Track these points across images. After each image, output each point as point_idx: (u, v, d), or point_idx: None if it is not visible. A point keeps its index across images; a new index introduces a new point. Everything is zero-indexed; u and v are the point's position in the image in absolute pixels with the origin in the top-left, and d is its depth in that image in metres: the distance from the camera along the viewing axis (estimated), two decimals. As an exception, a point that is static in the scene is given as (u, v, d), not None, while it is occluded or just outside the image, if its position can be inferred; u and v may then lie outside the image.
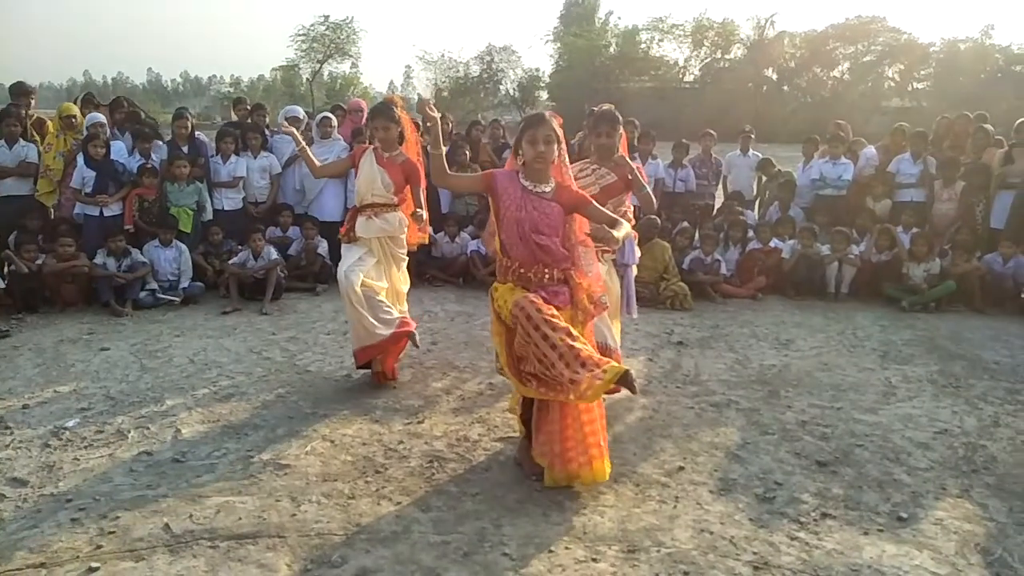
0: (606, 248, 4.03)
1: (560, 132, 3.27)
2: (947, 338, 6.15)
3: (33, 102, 7.37)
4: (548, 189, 3.27)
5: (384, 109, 4.45)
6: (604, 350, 3.87)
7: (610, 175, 4.07)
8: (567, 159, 3.42)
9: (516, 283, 3.28)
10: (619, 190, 4.09)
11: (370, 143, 4.75)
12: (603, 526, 3.14)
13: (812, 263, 7.41)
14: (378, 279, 4.57)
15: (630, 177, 4.06)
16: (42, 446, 3.82)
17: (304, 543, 2.97)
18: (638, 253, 4.33)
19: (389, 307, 4.57)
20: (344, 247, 4.63)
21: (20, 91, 7.26)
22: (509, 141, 8.63)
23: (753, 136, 9.04)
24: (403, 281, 4.85)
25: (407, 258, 4.85)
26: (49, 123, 7.22)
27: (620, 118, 4.11)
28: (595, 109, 4.26)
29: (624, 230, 3.35)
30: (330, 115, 7.81)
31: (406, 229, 4.70)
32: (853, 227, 7.76)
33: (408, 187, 4.55)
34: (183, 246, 6.87)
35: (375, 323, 4.45)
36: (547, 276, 3.25)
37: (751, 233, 7.86)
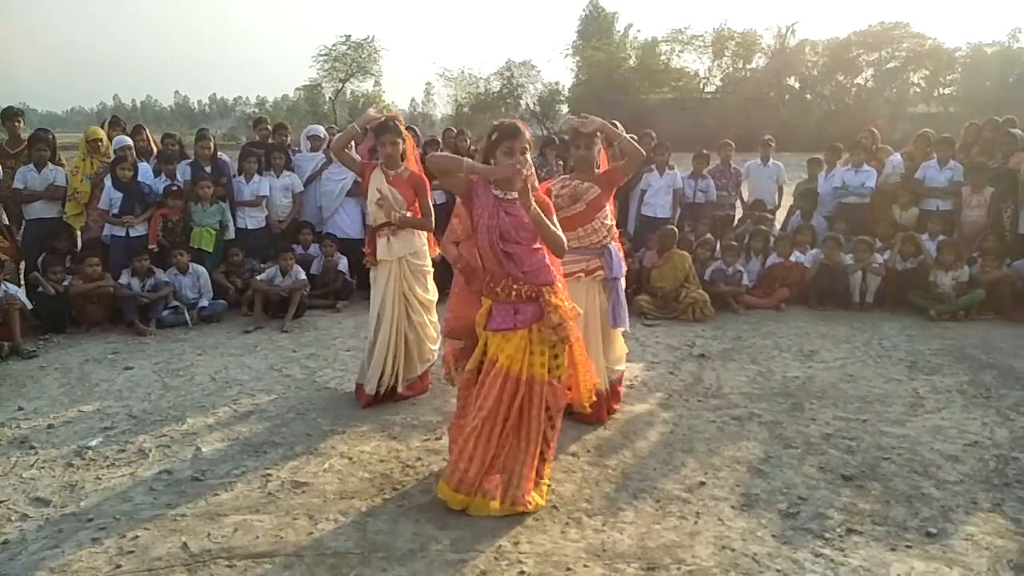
0: (595, 268, 4.18)
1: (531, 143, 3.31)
2: (977, 347, 6.01)
3: (20, 123, 7.38)
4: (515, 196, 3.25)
5: (392, 126, 4.58)
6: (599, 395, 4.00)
7: (594, 188, 4.14)
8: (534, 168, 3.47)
9: (489, 296, 3.32)
10: (602, 204, 4.18)
11: (372, 158, 4.84)
12: (622, 543, 3.10)
13: (835, 273, 7.30)
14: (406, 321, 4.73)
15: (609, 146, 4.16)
16: (65, 465, 3.87)
17: (321, 561, 2.96)
18: (624, 267, 4.37)
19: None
20: (371, 277, 4.77)
21: (7, 115, 7.31)
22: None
23: (773, 145, 8.95)
24: (431, 292, 4.90)
25: (432, 269, 4.90)
26: None
27: (596, 137, 4.16)
28: (615, 123, 4.28)
29: (558, 241, 3.22)
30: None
31: (427, 242, 4.81)
32: (875, 235, 7.63)
33: (417, 200, 4.71)
34: (200, 268, 6.94)
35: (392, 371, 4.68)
36: (515, 292, 3.24)
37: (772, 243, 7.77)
